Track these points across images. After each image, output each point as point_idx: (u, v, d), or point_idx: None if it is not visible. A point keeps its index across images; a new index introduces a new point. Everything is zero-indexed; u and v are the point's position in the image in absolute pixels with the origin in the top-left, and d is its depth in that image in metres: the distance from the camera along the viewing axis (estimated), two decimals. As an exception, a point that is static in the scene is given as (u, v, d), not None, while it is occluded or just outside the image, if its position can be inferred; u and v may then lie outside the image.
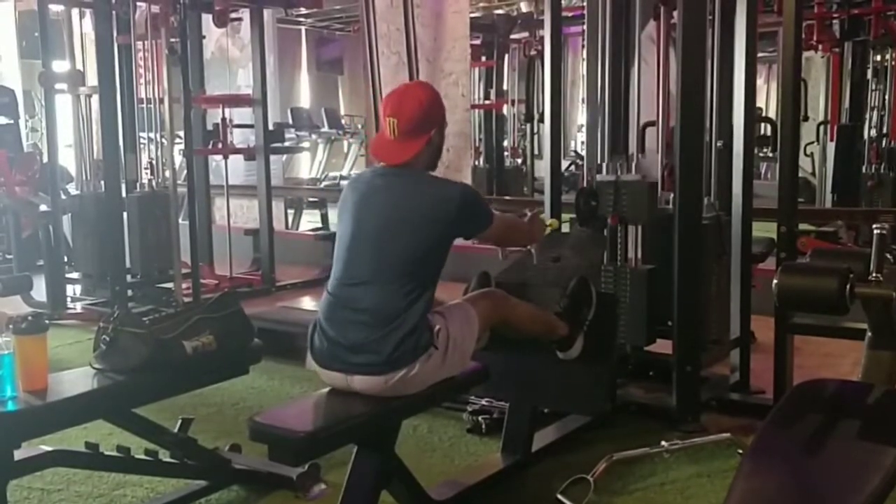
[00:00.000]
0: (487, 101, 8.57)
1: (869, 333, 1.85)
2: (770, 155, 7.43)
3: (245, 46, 7.22)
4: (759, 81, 8.06)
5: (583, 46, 4.11)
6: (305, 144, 9.71)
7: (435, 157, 2.64)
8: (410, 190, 2.53)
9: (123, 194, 5.59)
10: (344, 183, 2.74)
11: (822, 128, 7.42)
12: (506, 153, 8.80)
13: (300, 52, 10.99)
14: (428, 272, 2.49)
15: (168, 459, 2.74)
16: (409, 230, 2.46)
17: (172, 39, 5.41)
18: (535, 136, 8.55)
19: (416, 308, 2.42)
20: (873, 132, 6.77)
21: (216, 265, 6.27)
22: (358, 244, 2.51)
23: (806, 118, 6.91)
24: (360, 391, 2.44)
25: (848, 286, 1.70)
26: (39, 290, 5.38)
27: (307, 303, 5.33)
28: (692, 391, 3.43)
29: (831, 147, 7.00)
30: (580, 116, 9.62)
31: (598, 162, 3.75)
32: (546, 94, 4.07)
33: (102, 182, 5.45)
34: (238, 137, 6.43)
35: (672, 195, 3.46)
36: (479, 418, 3.38)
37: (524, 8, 8.43)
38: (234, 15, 6.25)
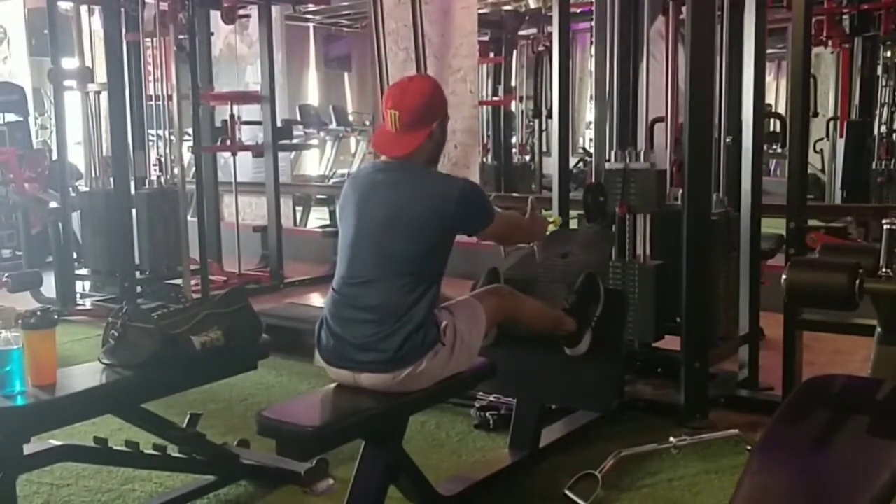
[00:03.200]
0: (495, 98, 8.55)
1: (878, 329, 1.84)
2: (779, 151, 7.39)
3: (253, 43, 7.22)
4: (769, 77, 8.01)
5: (591, 42, 4.10)
6: (314, 141, 9.71)
7: (437, 150, 2.61)
8: (411, 186, 2.49)
9: (132, 191, 5.60)
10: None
11: (831, 124, 7.39)
12: (514, 150, 8.79)
13: (308, 49, 10.99)
14: (432, 268, 2.47)
15: (176, 454, 2.75)
16: (410, 227, 2.44)
17: (181, 36, 5.41)
18: (544, 133, 8.52)
19: (422, 305, 2.41)
20: (883, 128, 6.73)
21: (224, 262, 6.28)
22: (361, 242, 2.49)
23: (815, 114, 6.87)
24: (367, 388, 2.44)
25: (857, 282, 1.69)
26: (49, 287, 5.41)
27: (315, 299, 5.35)
28: (700, 388, 3.42)
29: (841, 143, 6.96)
30: (588, 113, 9.58)
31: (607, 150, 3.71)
32: (554, 90, 4.06)
33: (111, 179, 5.47)
34: (246, 134, 6.44)
35: (681, 191, 3.45)
36: (487, 414, 3.39)
37: (532, 4, 8.39)
38: (242, 12, 6.27)
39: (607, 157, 3.71)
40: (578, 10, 5.98)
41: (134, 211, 5.52)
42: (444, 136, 2.62)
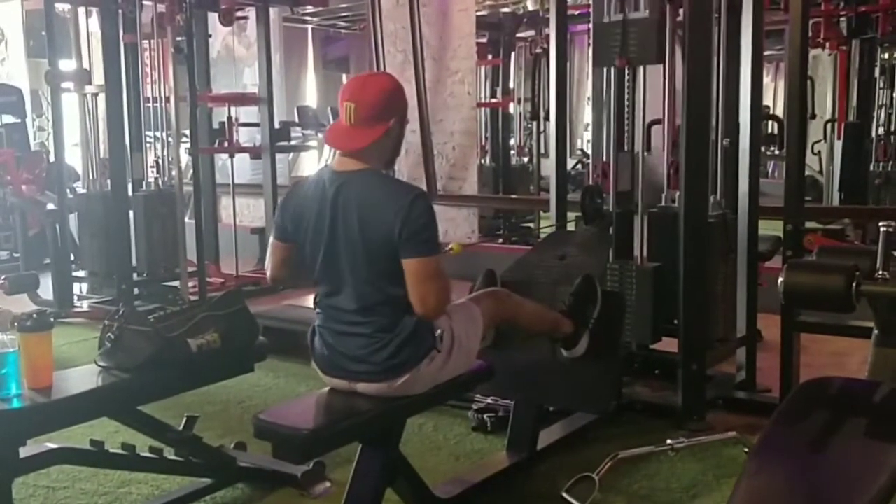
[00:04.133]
0: (494, 100, 8.55)
1: (875, 331, 1.85)
2: (777, 153, 7.40)
3: (251, 45, 7.21)
4: (766, 79, 8.04)
5: (589, 44, 4.09)
6: (312, 143, 9.68)
7: (394, 150, 2.44)
8: (365, 204, 2.31)
9: (130, 193, 5.60)
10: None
11: (829, 126, 7.39)
12: (512, 151, 8.79)
13: (306, 51, 10.96)
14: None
15: (173, 457, 2.74)
16: (375, 250, 2.30)
17: (178, 38, 5.41)
18: (542, 135, 8.53)
19: (410, 318, 2.35)
20: (881, 130, 6.74)
21: (222, 264, 6.28)
22: (333, 266, 2.37)
23: (813, 116, 6.86)
24: (364, 394, 2.42)
25: (854, 284, 1.69)
26: (46, 289, 5.40)
27: (312, 301, 5.32)
28: (698, 390, 3.42)
29: (838, 145, 6.96)
30: (586, 115, 9.58)
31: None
32: (552, 92, 4.06)
33: (109, 181, 5.47)
34: (244, 136, 6.44)
35: (678, 193, 3.45)
36: (485, 416, 3.38)
37: (530, 6, 8.38)
38: (240, 13, 6.26)
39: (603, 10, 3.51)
40: (576, 13, 5.99)
41: (131, 213, 5.52)
42: (402, 136, 2.45)
